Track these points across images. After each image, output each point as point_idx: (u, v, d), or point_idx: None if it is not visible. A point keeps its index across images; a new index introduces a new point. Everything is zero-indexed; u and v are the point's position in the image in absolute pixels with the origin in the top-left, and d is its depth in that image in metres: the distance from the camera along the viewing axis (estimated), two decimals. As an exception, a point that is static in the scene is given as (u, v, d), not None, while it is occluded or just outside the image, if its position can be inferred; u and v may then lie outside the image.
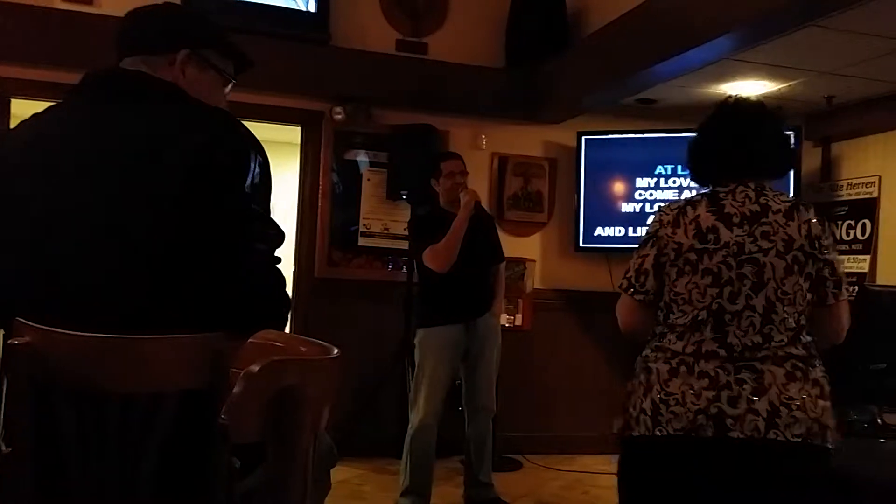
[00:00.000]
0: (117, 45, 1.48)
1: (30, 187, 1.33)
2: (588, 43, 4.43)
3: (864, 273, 4.54)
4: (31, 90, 4.05)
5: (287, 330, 1.59)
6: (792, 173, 4.57)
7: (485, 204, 4.87)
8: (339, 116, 4.60)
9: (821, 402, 1.70)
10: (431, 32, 4.85)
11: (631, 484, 1.85)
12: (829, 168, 4.94)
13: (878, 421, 2.09)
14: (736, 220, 1.74)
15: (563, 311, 4.96)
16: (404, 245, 4.70)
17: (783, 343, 1.71)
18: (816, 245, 1.74)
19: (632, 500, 1.85)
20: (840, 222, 4.77)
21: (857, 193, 4.68)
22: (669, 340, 1.78)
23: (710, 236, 1.74)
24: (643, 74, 3.93)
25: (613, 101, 4.56)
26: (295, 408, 1.15)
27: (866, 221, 4.59)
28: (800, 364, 1.71)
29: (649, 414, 1.74)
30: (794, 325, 1.72)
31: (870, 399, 2.12)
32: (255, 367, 1.08)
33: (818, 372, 1.73)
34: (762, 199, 1.76)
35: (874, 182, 4.57)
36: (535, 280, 5.02)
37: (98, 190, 1.29)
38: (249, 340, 1.23)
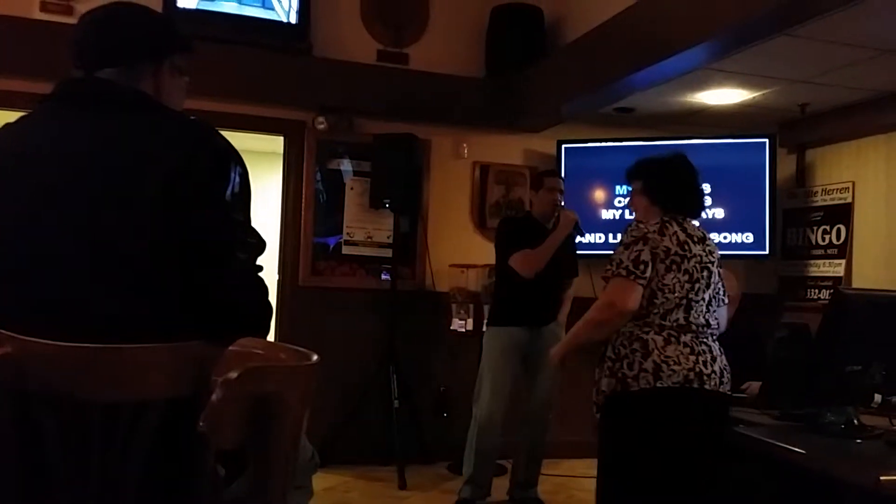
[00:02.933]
0: (83, 56, 1.43)
1: (5, 198, 1.32)
2: (566, 53, 4.48)
3: (840, 277, 4.61)
4: (12, 101, 4.02)
5: (271, 338, 1.59)
6: (767, 180, 4.65)
7: (466, 212, 4.93)
8: (322, 126, 4.62)
9: (729, 368, 2.40)
10: (412, 43, 4.88)
11: (628, 429, 2.32)
12: (803, 174, 5.02)
13: (854, 422, 2.12)
14: (696, 239, 2.40)
15: (545, 318, 4.97)
16: (387, 253, 4.72)
17: (714, 326, 2.40)
18: (720, 263, 2.46)
19: (627, 443, 2.32)
20: (815, 227, 4.84)
21: (832, 199, 4.75)
22: (655, 318, 2.32)
23: (686, 247, 2.37)
24: (621, 83, 3.98)
25: (592, 109, 4.61)
26: (274, 414, 1.16)
27: (841, 226, 4.66)
28: (718, 343, 2.40)
29: (650, 371, 2.26)
30: (716, 315, 2.41)
31: (846, 400, 2.14)
32: (234, 374, 1.09)
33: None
34: (700, 229, 2.46)
35: (848, 188, 4.64)
36: (517, 287, 5.05)
37: (77, 202, 1.29)
38: (230, 348, 1.23)
